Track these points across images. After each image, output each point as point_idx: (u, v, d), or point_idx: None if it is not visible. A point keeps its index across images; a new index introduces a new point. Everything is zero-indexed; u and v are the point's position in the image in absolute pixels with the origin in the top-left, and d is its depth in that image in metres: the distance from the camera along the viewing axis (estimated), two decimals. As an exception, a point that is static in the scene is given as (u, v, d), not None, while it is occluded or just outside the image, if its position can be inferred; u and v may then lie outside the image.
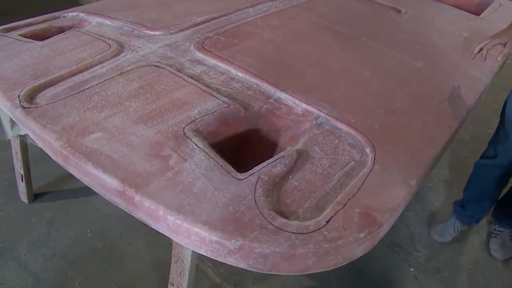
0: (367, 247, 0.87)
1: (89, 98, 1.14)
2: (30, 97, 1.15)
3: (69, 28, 1.65)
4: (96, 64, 1.32)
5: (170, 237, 0.85)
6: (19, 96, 1.13)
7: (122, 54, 1.41)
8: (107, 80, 1.23)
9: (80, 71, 1.26)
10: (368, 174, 0.98)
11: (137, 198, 0.84)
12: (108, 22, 1.69)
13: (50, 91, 1.17)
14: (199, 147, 0.99)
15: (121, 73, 1.28)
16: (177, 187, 0.87)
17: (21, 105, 1.10)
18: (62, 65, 1.29)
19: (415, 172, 1.04)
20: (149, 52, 1.45)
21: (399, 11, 2.08)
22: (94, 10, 1.82)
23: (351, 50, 1.62)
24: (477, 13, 2.33)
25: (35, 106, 1.11)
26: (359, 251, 0.86)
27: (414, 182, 1.01)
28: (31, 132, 1.07)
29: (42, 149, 1.26)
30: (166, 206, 0.82)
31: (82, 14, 1.77)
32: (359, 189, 0.93)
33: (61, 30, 1.65)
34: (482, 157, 1.75)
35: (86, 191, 2.04)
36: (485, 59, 1.34)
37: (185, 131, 1.04)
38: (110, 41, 1.48)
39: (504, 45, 1.35)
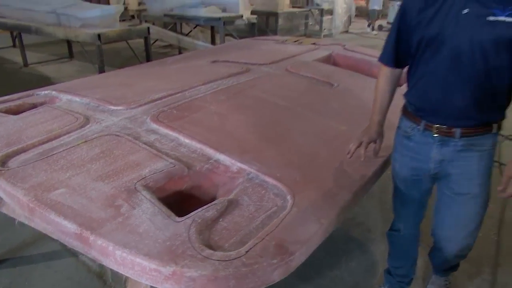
0: (282, 272, 1.07)
1: (56, 162, 1.35)
2: (3, 162, 1.35)
3: (42, 104, 1.89)
4: (64, 134, 1.55)
5: (117, 270, 1.03)
6: (-7, 161, 1.33)
7: (88, 126, 1.66)
8: (72, 147, 1.46)
9: (49, 140, 1.49)
10: (286, 215, 1.21)
11: (92, 238, 1.03)
12: (77, 99, 1.95)
13: (22, 157, 1.38)
14: (146, 198, 1.20)
15: (86, 141, 1.51)
16: (125, 229, 1.07)
17: (-5, 169, 1.29)
18: (33, 135, 1.52)
19: (327, 213, 1.28)
20: (111, 124, 1.70)
21: (332, 85, 2.46)
22: (65, 89, 2.09)
23: (286, 118, 1.93)
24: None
25: (6, 169, 1.31)
26: (275, 276, 1.06)
27: (325, 221, 1.25)
28: (2, 191, 1.26)
29: (5, 217, 1.41)
30: (115, 243, 1.01)
31: (54, 92, 2.03)
32: (276, 227, 1.15)
33: (34, 106, 1.89)
34: (390, 228, 1.82)
35: (48, 256, 2.13)
36: (364, 158, 1.53)
37: (136, 186, 1.26)
38: (77, 114, 1.73)
39: (375, 142, 1.60)
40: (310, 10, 10.56)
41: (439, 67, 1.34)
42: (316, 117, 1.99)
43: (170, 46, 7.94)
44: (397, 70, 1.56)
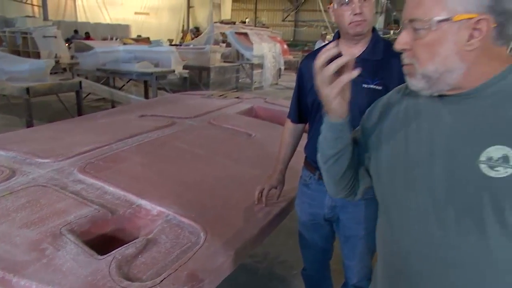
0: (192, 298, 1.25)
1: (-19, 213, 1.44)
2: None
3: (-36, 159, 1.94)
4: (-11, 187, 1.63)
5: (41, 307, 1.14)
6: None
7: (14, 178, 1.75)
8: (-2, 198, 1.55)
9: (-27, 193, 1.56)
10: (198, 249, 1.40)
11: (14, 280, 1.14)
12: (2, 152, 2.03)
13: None
14: (71, 241, 1.34)
15: (11, 192, 1.61)
16: (49, 268, 1.19)
17: None
18: (-43, 189, 1.58)
19: (234, 246, 1.49)
20: (38, 175, 1.81)
21: (250, 135, 2.75)
22: (-9, 144, 2.15)
23: (204, 166, 2.15)
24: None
25: None
26: (185, 301, 1.23)
27: (233, 253, 1.45)
28: None
29: None
30: (38, 282, 1.13)
31: (-22, 148, 2.09)
32: (189, 259, 1.34)
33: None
34: (302, 268, 2.02)
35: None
36: (266, 204, 1.74)
37: (61, 231, 1.38)
38: (3, 168, 1.82)
39: (276, 187, 1.80)
40: (241, 64, 11.25)
41: None
42: (232, 164, 2.24)
43: (103, 99, 7.99)
44: (300, 125, 1.83)
